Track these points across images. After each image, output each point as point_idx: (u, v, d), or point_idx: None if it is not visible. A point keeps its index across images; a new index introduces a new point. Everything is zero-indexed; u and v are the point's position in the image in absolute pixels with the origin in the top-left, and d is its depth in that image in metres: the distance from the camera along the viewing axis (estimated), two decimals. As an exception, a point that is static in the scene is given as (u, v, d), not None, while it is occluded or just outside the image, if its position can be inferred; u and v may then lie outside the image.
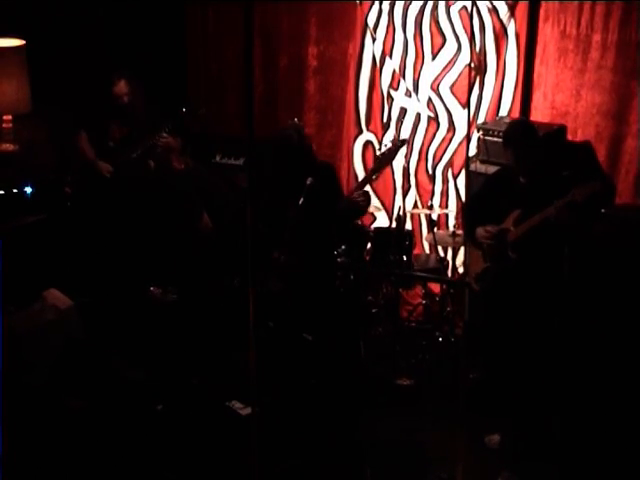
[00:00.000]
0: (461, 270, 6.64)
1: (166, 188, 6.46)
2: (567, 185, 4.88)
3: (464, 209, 6.09)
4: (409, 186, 6.85)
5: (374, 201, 6.93)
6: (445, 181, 6.87)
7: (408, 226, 6.72)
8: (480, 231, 5.21)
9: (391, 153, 5.77)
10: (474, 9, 6.32)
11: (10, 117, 6.64)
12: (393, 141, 5.85)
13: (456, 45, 6.61)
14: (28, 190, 6.46)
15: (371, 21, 6.88)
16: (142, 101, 6.70)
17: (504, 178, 5.31)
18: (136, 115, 6.64)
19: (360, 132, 7.16)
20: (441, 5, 6.58)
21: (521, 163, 5.10)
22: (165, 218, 6.43)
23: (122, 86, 6.57)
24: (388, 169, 7.03)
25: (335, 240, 5.78)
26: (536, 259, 5.06)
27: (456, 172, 6.80)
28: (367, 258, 6.35)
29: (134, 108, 6.63)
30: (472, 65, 6.51)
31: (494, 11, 6.42)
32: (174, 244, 6.40)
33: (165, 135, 6.45)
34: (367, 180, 6.04)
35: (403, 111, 6.93)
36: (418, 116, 6.89)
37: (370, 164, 7.16)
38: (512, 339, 5.12)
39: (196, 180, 6.54)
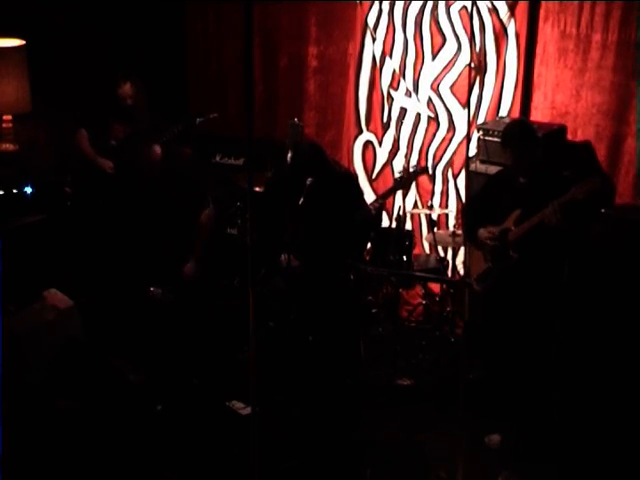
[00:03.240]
0: (461, 270, 6.64)
1: (178, 171, 6.40)
2: (567, 185, 4.89)
3: (463, 209, 6.10)
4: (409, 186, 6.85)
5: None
6: (445, 181, 6.87)
7: (408, 226, 6.72)
8: (483, 232, 5.21)
9: (410, 178, 5.91)
10: (474, 9, 6.32)
11: (10, 117, 6.65)
12: (414, 166, 6.02)
13: (456, 45, 6.61)
14: (28, 190, 6.46)
15: (371, 21, 6.88)
16: (145, 103, 6.70)
17: (505, 178, 5.31)
18: (138, 116, 6.64)
19: (360, 132, 7.17)
20: (441, 5, 6.58)
21: (520, 163, 5.10)
22: (176, 206, 6.31)
23: (127, 88, 6.55)
24: (388, 169, 7.04)
25: (347, 245, 5.81)
26: (537, 258, 5.06)
27: (456, 172, 6.80)
28: (367, 258, 6.35)
29: (137, 110, 6.63)
30: (472, 65, 6.51)
31: (494, 11, 6.42)
32: (178, 236, 6.31)
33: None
34: (381, 200, 6.14)
35: (403, 111, 6.93)
36: (418, 116, 6.89)
37: (370, 164, 7.17)
38: (513, 339, 5.12)
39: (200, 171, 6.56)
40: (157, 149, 6.46)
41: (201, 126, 6.77)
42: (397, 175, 6.39)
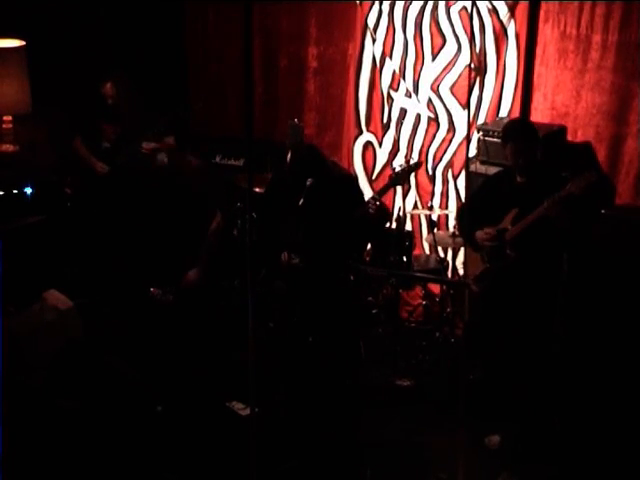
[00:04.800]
0: (461, 271, 6.64)
1: (184, 183, 6.37)
2: (565, 185, 4.89)
3: (460, 211, 6.09)
4: (409, 187, 6.85)
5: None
6: (445, 182, 6.87)
7: (408, 227, 6.72)
8: (480, 234, 5.21)
9: (405, 174, 5.90)
10: (474, 10, 6.32)
11: (10, 118, 6.65)
12: (407, 162, 6.01)
13: (456, 46, 6.61)
14: (28, 191, 6.46)
15: (371, 22, 6.88)
16: (130, 102, 6.70)
17: (502, 179, 5.32)
18: (125, 116, 6.65)
19: (360, 133, 7.16)
20: (441, 6, 6.58)
21: (519, 160, 5.09)
22: (180, 215, 6.29)
23: (108, 88, 6.61)
24: (388, 170, 7.04)
25: (349, 245, 5.81)
26: (534, 257, 5.06)
27: (456, 173, 6.80)
28: (367, 259, 6.35)
29: (121, 109, 6.64)
30: (472, 66, 6.51)
31: (494, 12, 6.42)
32: (184, 242, 6.28)
33: (146, 143, 6.46)
34: (377, 197, 6.13)
35: (403, 112, 6.93)
36: (418, 117, 6.88)
37: (370, 165, 7.17)
38: (511, 339, 5.12)
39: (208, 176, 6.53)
40: (163, 158, 6.45)
41: (194, 115, 6.77)
42: (392, 171, 6.37)
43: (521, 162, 5.09)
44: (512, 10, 6.36)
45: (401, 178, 6.06)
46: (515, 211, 5.10)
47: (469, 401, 3.89)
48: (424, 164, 6.85)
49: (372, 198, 5.78)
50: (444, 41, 6.64)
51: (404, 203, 6.49)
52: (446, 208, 6.85)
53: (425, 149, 6.90)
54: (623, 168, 6.12)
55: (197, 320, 6.13)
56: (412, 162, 6.16)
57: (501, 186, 5.27)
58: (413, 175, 6.87)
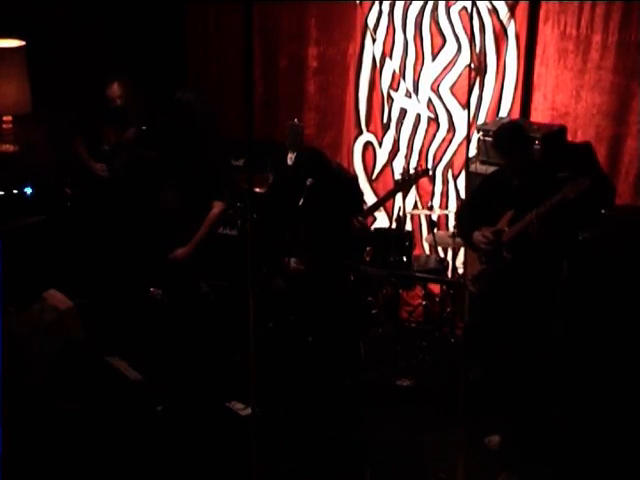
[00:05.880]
0: (461, 271, 6.64)
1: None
2: (560, 187, 4.89)
3: (460, 210, 6.10)
4: (409, 187, 6.84)
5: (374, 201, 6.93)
6: (445, 182, 6.87)
7: (408, 227, 6.72)
8: (477, 236, 5.20)
9: (411, 180, 5.91)
10: (474, 10, 6.32)
11: (10, 118, 6.64)
12: (415, 169, 6.02)
13: (456, 46, 6.61)
14: (28, 191, 6.46)
15: (371, 22, 6.88)
16: (136, 103, 6.69)
17: (499, 179, 5.31)
18: (130, 117, 6.64)
19: (360, 133, 7.16)
20: (441, 6, 6.58)
21: (511, 166, 5.11)
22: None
23: (115, 89, 6.57)
24: (388, 170, 7.04)
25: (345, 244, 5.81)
26: (530, 259, 5.06)
27: (456, 173, 6.80)
28: (367, 259, 6.35)
29: (128, 110, 6.62)
30: (472, 66, 6.51)
31: (494, 12, 6.42)
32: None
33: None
34: (381, 203, 6.13)
35: (403, 112, 6.93)
36: (418, 117, 6.88)
37: (370, 165, 7.17)
38: (509, 340, 5.12)
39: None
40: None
41: None
42: (398, 177, 6.38)
43: (514, 168, 5.10)
44: (512, 10, 6.36)
45: (405, 185, 6.08)
46: (511, 212, 5.10)
47: (469, 401, 3.89)
48: (424, 164, 6.85)
49: (369, 210, 5.79)
50: (444, 41, 6.64)
51: (404, 203, 6.48)
52: (446, 208, 6.85)
53: (425, 149, 6.90)
54: (623, 168, 6.11)
55: (197, 320, 6.13)
56: (419, 171, 6.17)
57: (498, 186, 5.27)
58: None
